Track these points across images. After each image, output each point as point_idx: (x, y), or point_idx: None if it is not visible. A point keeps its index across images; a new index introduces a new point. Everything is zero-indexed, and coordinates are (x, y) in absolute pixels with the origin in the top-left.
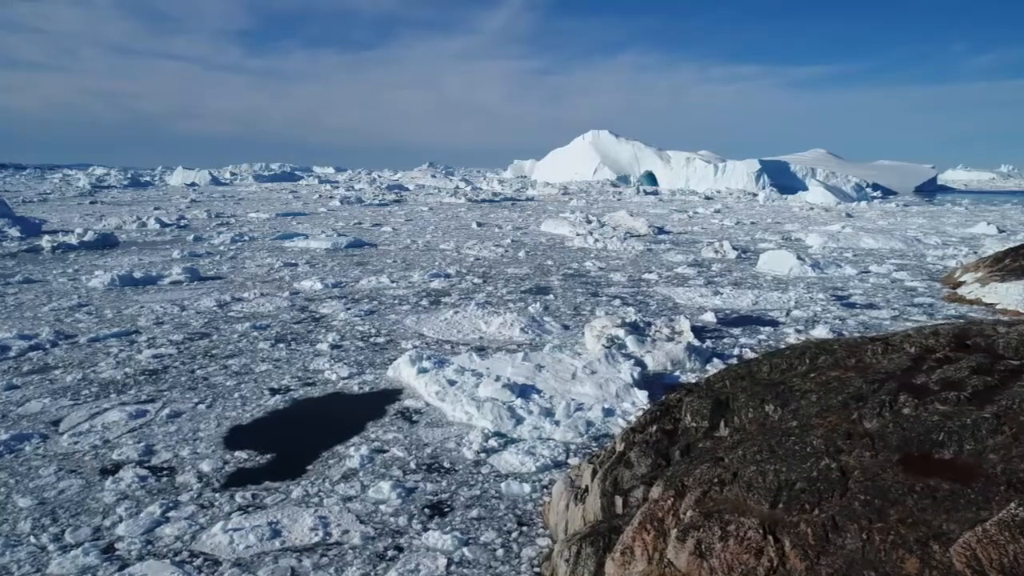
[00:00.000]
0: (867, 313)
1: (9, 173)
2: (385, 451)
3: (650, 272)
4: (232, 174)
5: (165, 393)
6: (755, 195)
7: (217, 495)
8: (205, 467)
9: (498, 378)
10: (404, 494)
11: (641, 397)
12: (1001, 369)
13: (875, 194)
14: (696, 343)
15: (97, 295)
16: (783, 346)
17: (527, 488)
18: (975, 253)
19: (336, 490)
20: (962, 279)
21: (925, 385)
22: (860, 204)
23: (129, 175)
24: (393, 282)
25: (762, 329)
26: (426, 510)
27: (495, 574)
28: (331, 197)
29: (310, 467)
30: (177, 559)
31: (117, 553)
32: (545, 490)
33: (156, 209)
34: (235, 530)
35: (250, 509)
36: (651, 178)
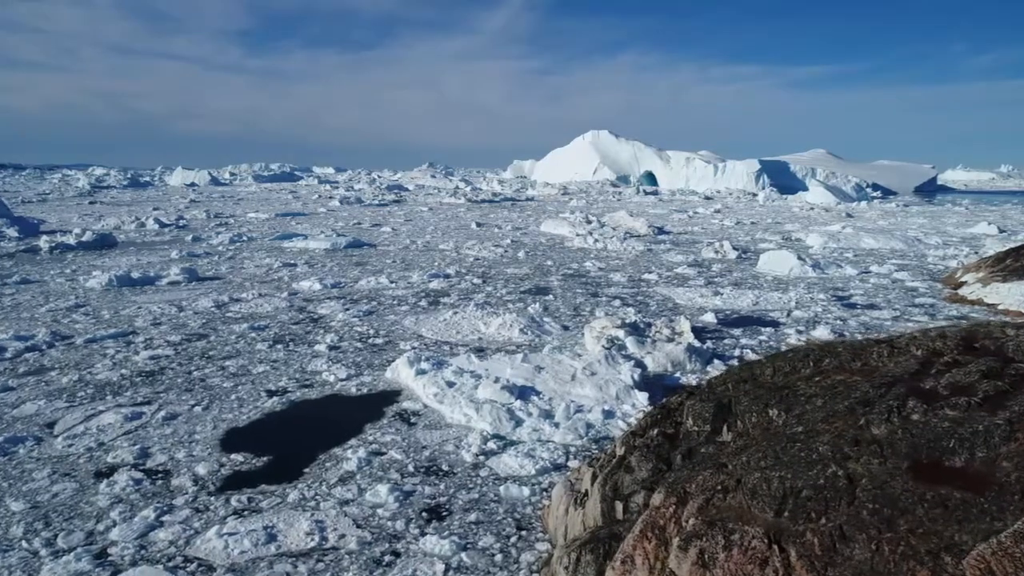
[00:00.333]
0: (868, 313)
1: (9, 173)
2: (383, 453)
3: (650, 272)
4: (232, 174)
5: (161, 395)
6: (755, 195)
7: (212, 499)
8: (201, 470)
9: (497, 379)
10: (402, 498)
11: (641, 399)
12: (1012, 373)
13: (875, 194)
14: (696, 344)
15: (94, 296)
16: (784, 347)
17: (526, 491)
18: (976, 253)
19: (333, 493)
20: (963, 279)
21: (934, 390)
22: (860, 204)
23: (129, 175)
24: (392, 282)
25: (763, 330)
26: (424, 514)
27: None
28: (331, 197)
29: (307, 470)
30: (171, 565)
31: (110, 558)
32: (544, 493)
33: (155, 209)
34: (230, 535)
35: (245, 513)
36: (651, 178)
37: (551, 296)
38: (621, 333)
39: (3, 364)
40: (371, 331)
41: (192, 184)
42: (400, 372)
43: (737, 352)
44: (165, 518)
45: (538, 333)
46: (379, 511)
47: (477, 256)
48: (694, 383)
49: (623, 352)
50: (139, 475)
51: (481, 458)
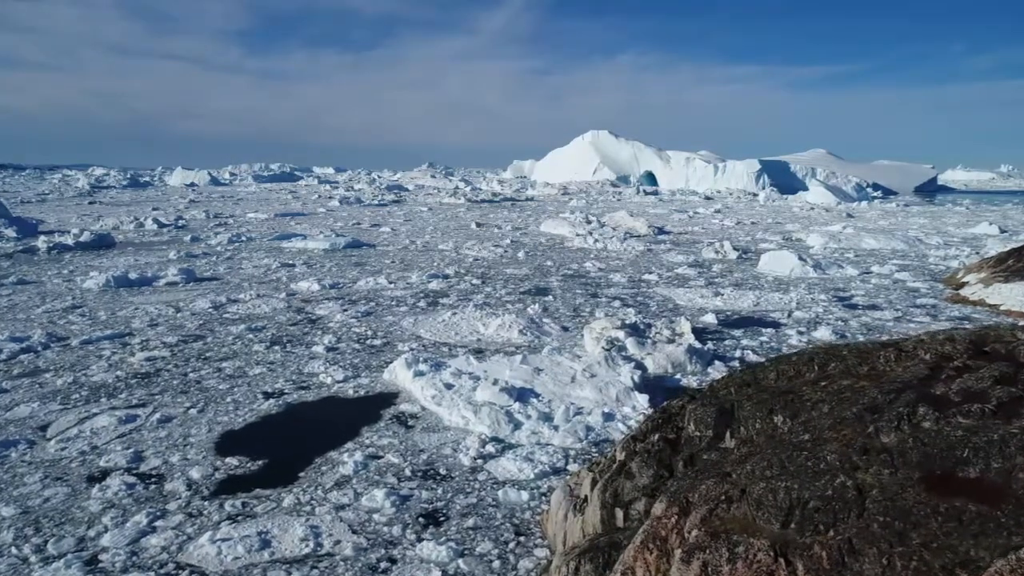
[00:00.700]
0: (870, 314)
1: (8, 174)
2: (380, 457)
3: (650, 273)
4: (231, 174)
5: (156, 397)
6: (755, 195)
7: (206, 503)
8: (195, 474)
9: (496, 381)
10: (398, 502)
11: (642, 401)
12: None
13: (875, 194)
14: (697, 345)
15: (91, 296)
16: (785, 348)
17: (525, 496)
18: (977, 253)
19: (328, 498)
20: (965, 280)
21: (945, 396)
22: (861, 204)
23: (128, 176)
24: (391, 283)
25: (764, 331)
26: (421, 519)
27: None
28: (330, 197)
29: (302, 474)
30: (162, 572)
31: (101, 565)
32: (544, 498)
33: (154, 209)
34: (223, 540)
35: (239, 518)
36: (651, 178)
37: (551, 297)
38: (621, 334)
39: None
40: (369, 332)
41: (192, 184)
42: (398, 374)
43: (738, 353)
44: (158, 523)
45: (537, 334)
46: (375, 516)
47: (476, 256)
48: (695, 385)
49: (623, 353)
50: (132, 479)
51: (479, 462)
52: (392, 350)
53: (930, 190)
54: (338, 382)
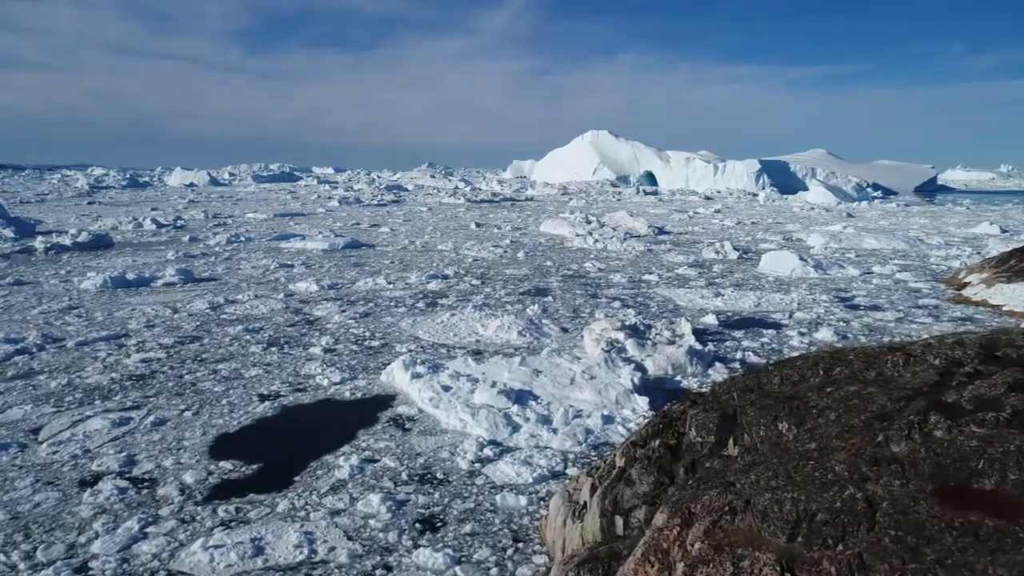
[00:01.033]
0: (871, 315)
1: (8, 174)
2: (376, 461)
3: (650, 273)
4: (231, 175)
5: (151, 399)
6: (755, 195)
7: (199, 509)
8: (188, 478)
9: (494, 384)
10: (395, 507)
11: (642, 403)
12: None
13: (875, 194)
14: (698, 347)
15: (88, 297)
16: (787, 349)
17: (523, 501)
18: (979, 254)
19: (324, 503)
20: (967, 280)
21: (957, 404)
22: (861, 204)
23: (128, 176)
24: (390, 283)
25: (765, 332)
26: (417, 525)
27: None
28: (330, 197)
29: (297, 478)
30: None
31: (90, 572)
32: (542, 503)
33: (153, 210)
34: (216, 547)
35: (233, 524)
36: (651, 178)
37: (550, 297)
38: (621, 335)
39: None
40: (367, 333)
41: (191, 184)
42: (395, 376)
43: (739, 355)
44: (149, 529)
45: (537, 335)
46: (371, 522)
47: (476, 257)
48: (696, 387)
49: (623, 355)
50: (124, 484)
51: (477, 465)
52: (390, 351)
53: (930, 190)
54: (335, 384)
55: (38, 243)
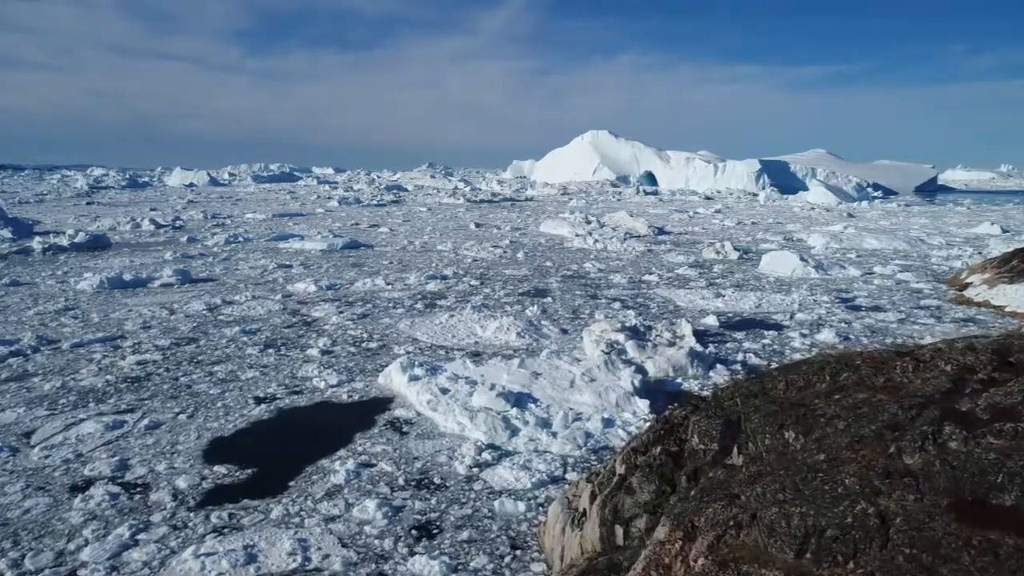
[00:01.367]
0: (873, 316)
1: (8, 174)
2: (372, 465)
3: (650, 273)
4: (231, 175)
5: (146, 402)
6: (755, 195)
7: (191, 515)
8: (181, 483)
9: (493, 386)
10: (391, 513)
11: (642, 406)
12: None
13: (876, 194)
14: (699, 348)
15: (85, 298)
16: (788, 350)
17: (522, 507)
18: (980, 254)
19: (319, 509)
20: (968, 280)
21: (972, 413)
22: (861, 204)
23: (127, 176)
24: (388, 284)
25: (766, 333)
26: (413, 532)
27: None
28: (329, 198)
29: (292, 483)
30: None
31: None
32: (541, 509)
33: (152, 210)
34: (207, 555)
35: (225, 531)
36: (651, 178)
37: (550, 298)
38: (621, 337)
39: None
40: (365, 335)
41: (191, 184)
42: (393, 378)
43: (740, 356)
44: (140, 536)
45: (536, 337)
46: (366, 528)
47: (475, 257)
48: (696, 389)
49: (623, 357)
50: (116, 489)
51: (475, 470)
52: (388, 353)
53: (930, 190)
54: (332, 387)
55: (35, 243)
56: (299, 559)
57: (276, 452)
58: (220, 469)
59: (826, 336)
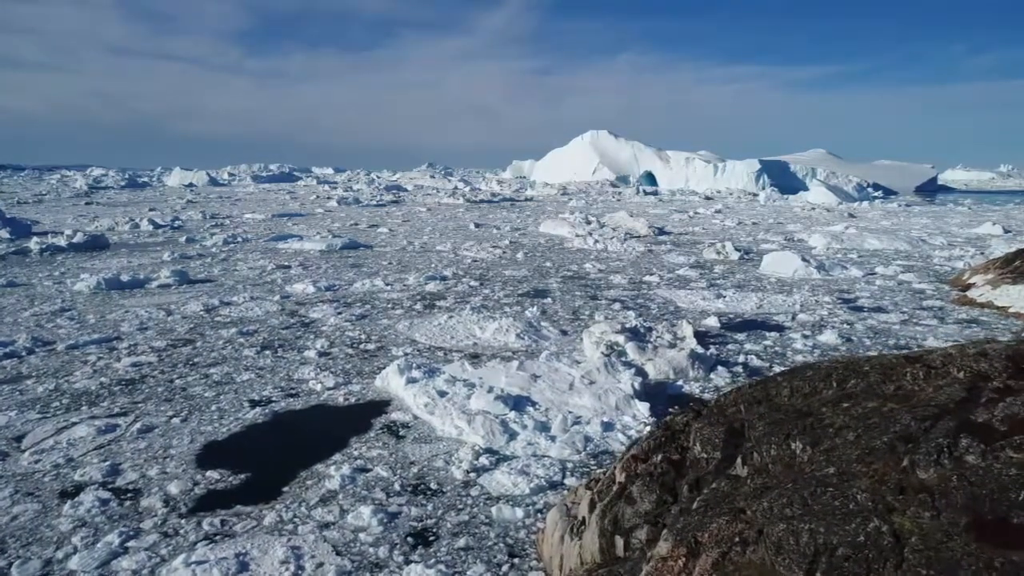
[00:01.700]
0: (875, 317)
1: (7, 174)
2: (368, 470)
3: (651, 274)
4: (230, 175)
5: (139, 405)
6: (755, 195)
7: (183, 521)
8: (173, 489)
9: (491, 389)
10: (386, 520)
11: (642, 409)
12: None
13: (876, 194)
14: (700, 350)
15: (81, 299)
16: (790, 352)
17: (520, 513)
18: (982, 254)
19: (313, 515)
20: (971, 281)
21: (988, 424)
22: (862, 204)
23: (127, 176)
24: (387, 285)
25: (767, 334)
26: (409, 539)
27: None
28: (329, 198)
29: (286, 488)
30: None
31: None
32: (539, 515)
33: (151, 210)
34: (198, 563)
35: (217, 538)
36: (650, 178)
37: (549, 299)
38: (621, 338)
39: None
40: (363, 336)
41: (190, 185)
42: (390, 380)
43: (742, 358)
44: (130, 544)
45: (535, 338)
46: (361, 535)
47: (475, 257)
48: (698, 392)
49: (623, 359)
50: (107, 495)
51: (472, 475)
52: (386, 355)
53: (930, 190)
54: (328, 389)
55: (33, 244)
56: (292, 568)
57: (270, 456)
58: (213, 474)
59: (828, 337)
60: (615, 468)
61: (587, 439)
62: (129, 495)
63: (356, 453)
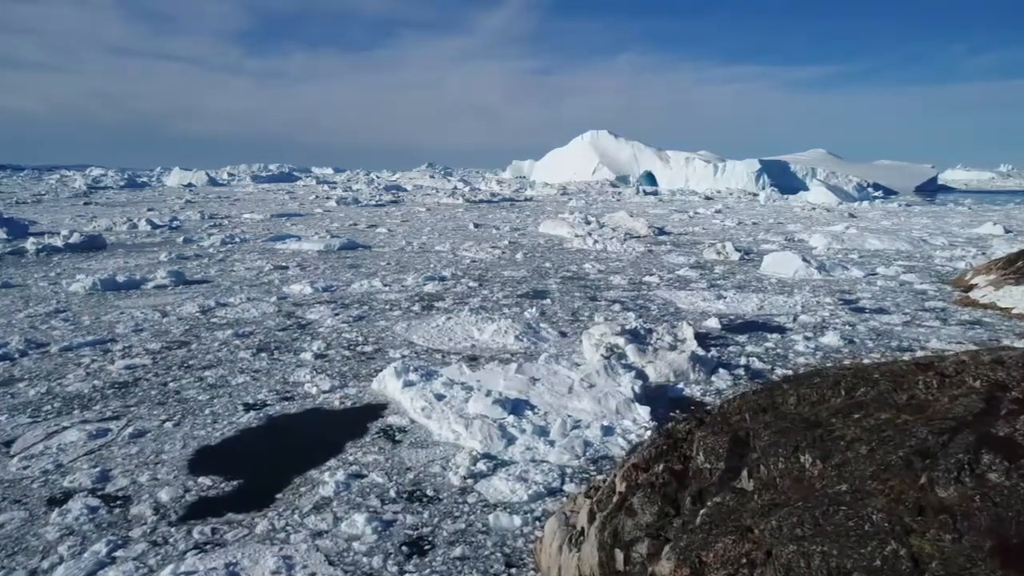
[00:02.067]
0: (877, 318)
1: (7, 174)
2: (363, 476)
3: (651, 275)
4: (230, 175)
5: (132, 409)
6: (755, 195)
7: (172, 530)
8: (163, 496)
9: (489, 392)
10: (381, 528)
11: (643, 413)
12: None
13: (876, 194)
14: (700, 352)
15: (76, 300)
16: (791, 354)
17: (517, 521)
18: (984, 254)
19: (305, 523)
20: (973, 282)
21: (1011, 439)
22: (862, 204)
23: (126, 176)
24: (386, 285)
25: (769, 336)
26: (404, 548)
27: None
28: (328, 198)
29: (279, 495)
30: None
31: None
32: (537, 523)
33: (149, 210)
34: (187, 574)
35: (207, 547)
36: (650, 178)
37: (549, 300)
38: (621, 340)
39: None
40: (360, 338)
41: (189, 185)
42: (387, 384)
43: (743, 360)
44: (118, 553)
45: (534, 340)
46: (355, 544)
47: (474, 258)
48: (699, 395)
49: (623, 361)
50: (95, 502)
51: (469, 481)
52: (383, 357)
53: (931, 190)
54: (324, 392)
55: (29, 244)
56: None
57: (264, 462)
58: (205, 480)
59: (830, 339)
60: (615, 477)
61: (587, 444)
62: (119, 502)
63: (351, 458)
